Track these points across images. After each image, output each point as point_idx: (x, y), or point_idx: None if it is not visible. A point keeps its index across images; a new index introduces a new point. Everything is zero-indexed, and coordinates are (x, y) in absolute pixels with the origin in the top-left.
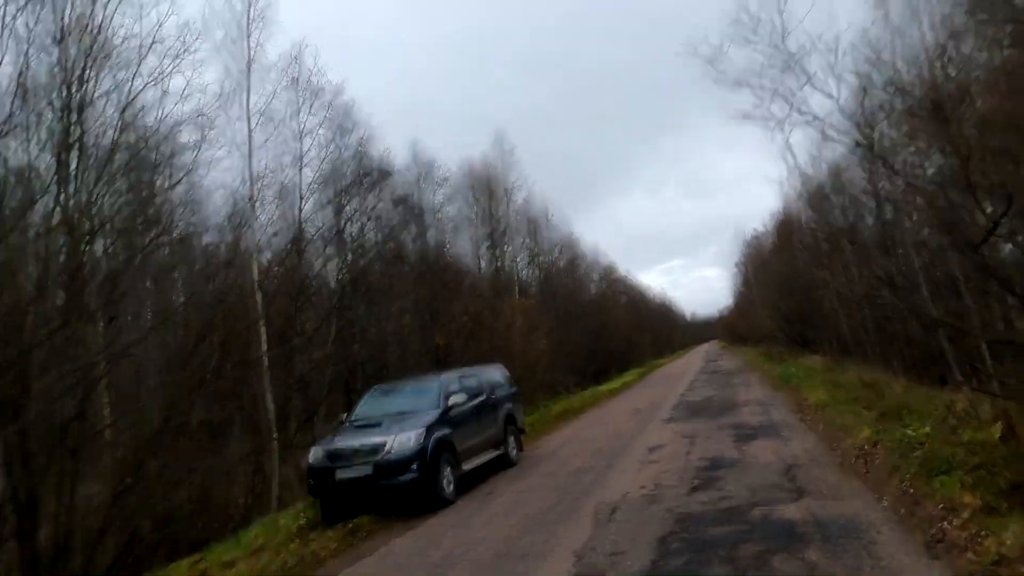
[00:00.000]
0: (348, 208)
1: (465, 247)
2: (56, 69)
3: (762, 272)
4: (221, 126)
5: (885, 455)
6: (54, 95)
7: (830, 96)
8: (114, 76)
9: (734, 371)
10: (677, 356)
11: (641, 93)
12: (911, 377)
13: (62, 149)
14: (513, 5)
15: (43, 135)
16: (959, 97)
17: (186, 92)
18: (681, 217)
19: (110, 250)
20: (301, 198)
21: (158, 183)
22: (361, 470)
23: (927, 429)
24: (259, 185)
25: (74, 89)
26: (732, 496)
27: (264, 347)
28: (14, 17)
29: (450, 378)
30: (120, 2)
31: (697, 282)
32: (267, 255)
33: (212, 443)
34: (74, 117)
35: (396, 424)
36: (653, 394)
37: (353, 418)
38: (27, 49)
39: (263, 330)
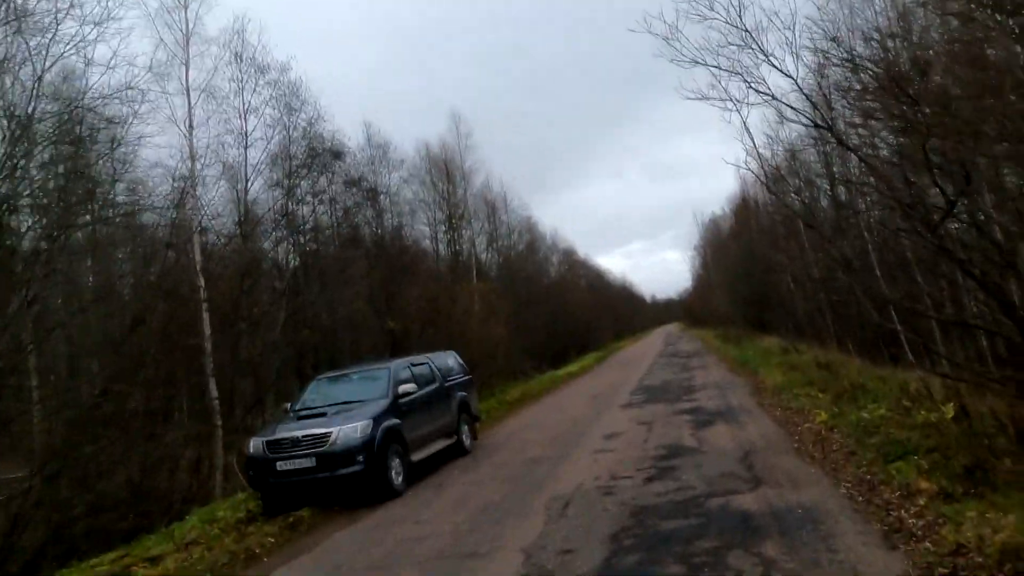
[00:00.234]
0: (298, 190)
1: (423, 231)
2: None
3: (721, 255)
4: (157, 101)
5: (842, 440)
6: None
7: (787, 75)
8: (27, 42)
9: (693, 353)
10: (638, 338)
11: (603, 78)
12: (865, 358)
13: None
14: None
15: None
16: (919, 73)
17: (113, 62)
18: (642, 200)
19: (36, 225)
20: (247, 178)
21: (86, 158)
22: (303, 462)
23: (882, 411)
24: (201, 164)
25: None
26: (689, 487)
27: (207, 331)
28: None
29: (400, 365)
30: None
31: (657, 265)
32: (211, 237)
33: (153, 429)
34: None
35: (342, 414)
36: (612, 377)
37: (298, 407)
38: None
39: (206, 314)
